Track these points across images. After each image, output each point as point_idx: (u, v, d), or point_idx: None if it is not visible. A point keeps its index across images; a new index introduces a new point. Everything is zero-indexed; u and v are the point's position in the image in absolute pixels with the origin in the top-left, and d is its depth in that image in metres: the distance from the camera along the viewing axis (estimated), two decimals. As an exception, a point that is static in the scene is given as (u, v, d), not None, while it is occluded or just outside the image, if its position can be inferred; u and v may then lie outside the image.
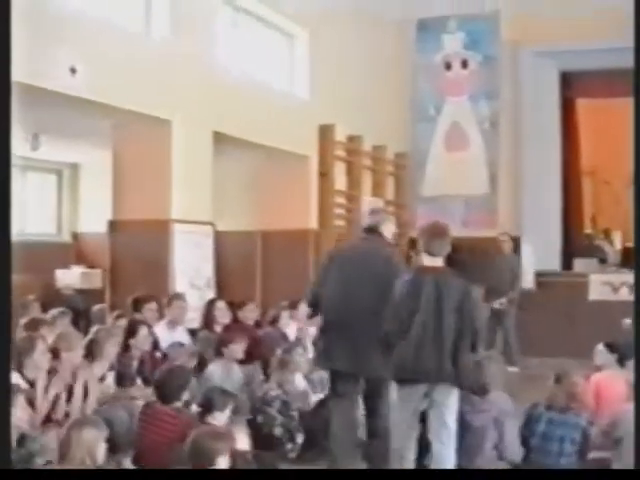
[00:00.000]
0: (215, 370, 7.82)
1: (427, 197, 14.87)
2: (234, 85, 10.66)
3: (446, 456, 5.80)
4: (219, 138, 10.35)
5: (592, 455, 6.39)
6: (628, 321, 9.95)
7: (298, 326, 10.04)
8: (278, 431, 7.10)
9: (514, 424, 6.34)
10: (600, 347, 7.86)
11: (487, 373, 6.42)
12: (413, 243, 14.42)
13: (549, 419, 6.38)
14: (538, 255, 13.72)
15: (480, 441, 6.25)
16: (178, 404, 6.05)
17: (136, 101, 8.96)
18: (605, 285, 13.09)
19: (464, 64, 14.73)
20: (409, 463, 5.89)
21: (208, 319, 8.93)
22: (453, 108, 14.81)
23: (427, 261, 5.89)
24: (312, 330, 10.28)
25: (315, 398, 7.89)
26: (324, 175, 12.56)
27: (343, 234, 13.06)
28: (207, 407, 5.76)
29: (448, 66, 14.86)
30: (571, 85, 14.54)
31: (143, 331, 7.35)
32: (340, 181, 13.04)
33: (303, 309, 10.15)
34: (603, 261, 13.96)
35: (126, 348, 7.34)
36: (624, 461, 6.15)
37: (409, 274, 5.91)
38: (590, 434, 6.32)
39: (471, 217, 14.46)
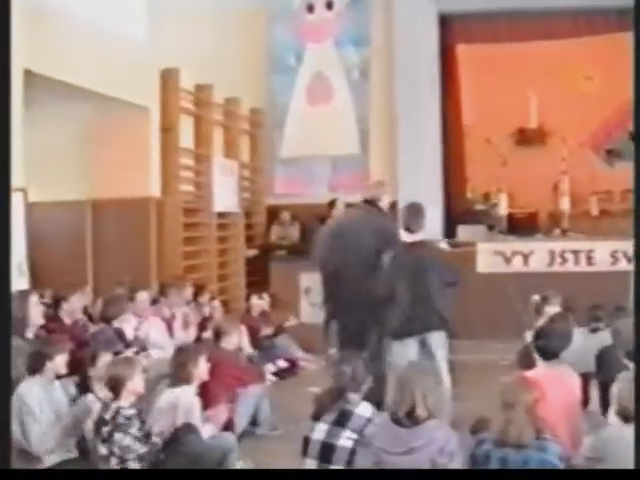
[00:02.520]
0: (30, 393, 5.84)
1: (287, 158, 13.34)
2: (50, 13, 8.41)
3: None
4: (34, 81, 8.13)
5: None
6: (536, 297, 8.76)
7: (138, 319, 7.98)
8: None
9: (460, 465, 4.42)
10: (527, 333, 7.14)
11: (416, 391, 4.52)
12: (272, 214, 12.74)
13: (502, 459, 4.47)
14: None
15: (410, 492, 4.32)
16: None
17: None
18: (496, 255, 11.57)
19: (329, 5, 13.27)
20: None
21: (18, 320, 6.62)
22: (316, 56, 13.26)
23: (408, 237, 6.98)
24: (156, 322, 8.35)
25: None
26: (167, 130, 10.55)
27: (191, 202, 11.23)
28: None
29: (310, 8, 13.33)
30: (451, 29, 13.19)
31: None
32: (187, 138, 11.10)
33: (143, 298, 8.20)
34: (490, 228, 12.41)
35: None
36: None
37: (394, 250, 6.97)
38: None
39: (339, 180, 13.04)
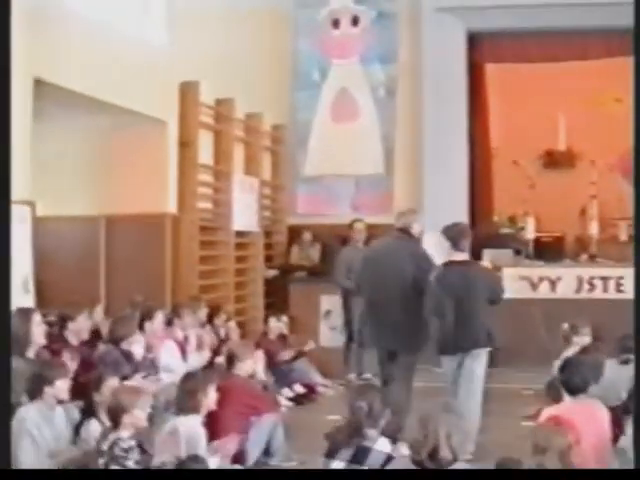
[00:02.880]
0: (29, 418, 5.59)
1: (310, 177, 13.07)
2: (63, 18, 8.10)
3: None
4: (45, 91, 7.79)
5: None
6: (566, 326, 8.26)
7: (149, 341, 7.65)
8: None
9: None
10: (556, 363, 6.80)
11: (440, 430, 4.18)
12: (293, 234, 12.44)
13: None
14: (442, 245, 11.78)
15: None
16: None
17: None
18: (522, 280, 11.20)
19: (355, 21, 13.01)
20: None
21: (21, 340, 6.30)
22: (341, 72, 13.01)
23: (455, 256, 7.11)
24: (168, 345, 8.03)
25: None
26: (186, 145, 10.20)
27: (209, 220, 10.87)
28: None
29: (335, 23, 13.07)
30: (480, 48, 12.89)
31: None
32: (206, 154, 10.75)
33: (158, 319, 7.90)
34: (517, 252, 12.05)
35: None
36: None
37: (440, 268, 7.09)
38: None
39: (362, 200, 12.77)
